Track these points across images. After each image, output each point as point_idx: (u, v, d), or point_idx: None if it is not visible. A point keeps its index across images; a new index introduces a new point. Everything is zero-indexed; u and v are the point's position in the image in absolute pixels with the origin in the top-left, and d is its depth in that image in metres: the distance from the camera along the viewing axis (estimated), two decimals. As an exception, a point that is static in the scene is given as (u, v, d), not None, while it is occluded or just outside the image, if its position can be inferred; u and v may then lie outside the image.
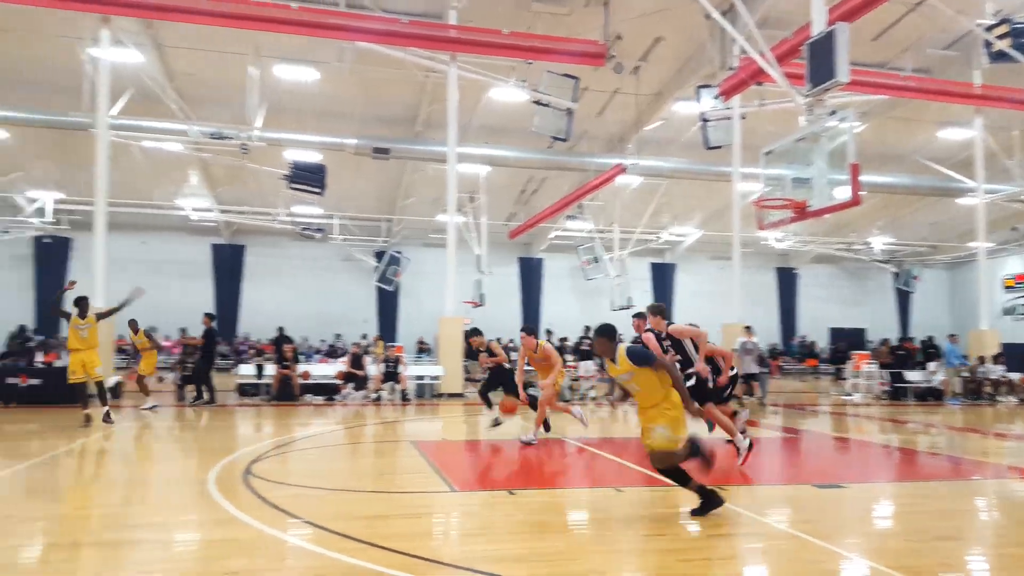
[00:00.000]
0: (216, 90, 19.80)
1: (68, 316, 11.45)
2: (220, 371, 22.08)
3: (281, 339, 17.49)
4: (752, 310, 21.27)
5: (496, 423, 10.34)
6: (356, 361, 17.15)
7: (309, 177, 18.18)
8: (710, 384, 8.37)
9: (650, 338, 8.90)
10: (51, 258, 26.36)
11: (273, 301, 27.80)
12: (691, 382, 8.18)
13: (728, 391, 9.53)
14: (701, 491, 5.62)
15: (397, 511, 5.96)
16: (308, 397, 16.70)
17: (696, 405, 6.26)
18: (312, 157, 19.77)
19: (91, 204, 16.43)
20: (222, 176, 24.00)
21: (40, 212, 23.00)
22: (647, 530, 5.43)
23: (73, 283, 11.98)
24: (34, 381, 14.56)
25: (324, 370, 18.01)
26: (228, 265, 28.79)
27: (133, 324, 15.16)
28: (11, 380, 14.55)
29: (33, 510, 5.97)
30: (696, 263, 32.10)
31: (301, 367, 17.58)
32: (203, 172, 23.54)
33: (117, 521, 5.51)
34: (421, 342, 26.50)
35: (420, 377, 18.10)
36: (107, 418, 11.26)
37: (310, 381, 17.14)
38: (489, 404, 10.71)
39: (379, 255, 27.81)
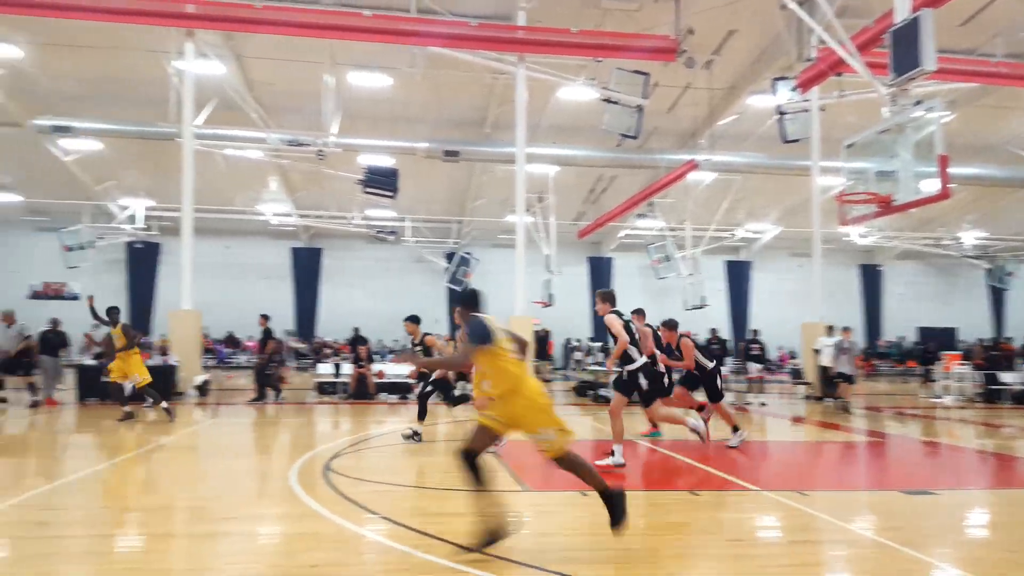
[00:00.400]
0: (293, 98, 20.47)
1: (107, 324, 12.03)
2: (300, 370, 22.86)
3: (357, 339, 17.93)
4: (834, 309, 20.53)
5: (414, 436, 9.49)
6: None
7: (382, 181, 18.57)
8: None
9: (688, 344, 9.03)
10: (142, 262, 27.85)
11: (349, 302, 28.54)
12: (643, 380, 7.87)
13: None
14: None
15: (471, 509, 6.00)
16: (383, 396, 17.07)
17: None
18: (385, 161, 20.19)
19: (179, 210, 17.23)
20: (300, 181, 24.80)
21: (132, 219, 24.27)
22: (725, 534, 5.31)
23: (92, 297, 12.45)
24: (129, 379, 15.34)
25: (398, 369, 18.35)
26: (307, 267, 29.75)
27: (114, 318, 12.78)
28: (108, 378, 15.38)
29: (129, 502, 6.30)
30: (774, 260, 31.23)
31: (376, 366, 17.98)
32: (282, 178, 24.36)
33: (206, 514, 5.75)
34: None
35: (491, 377, 18.20)
36: (125, 417, 11.47)
37: (384, 380, 17.51)
38: (423, 415, 9.74)
39: (449, 256, 28.16)
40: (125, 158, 22.54)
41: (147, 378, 11.85)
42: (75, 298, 24.49)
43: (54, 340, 14.67)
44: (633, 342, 7.73)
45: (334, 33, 16.43)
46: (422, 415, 9.69)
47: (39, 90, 19.56)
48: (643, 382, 7.77)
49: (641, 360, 7.79)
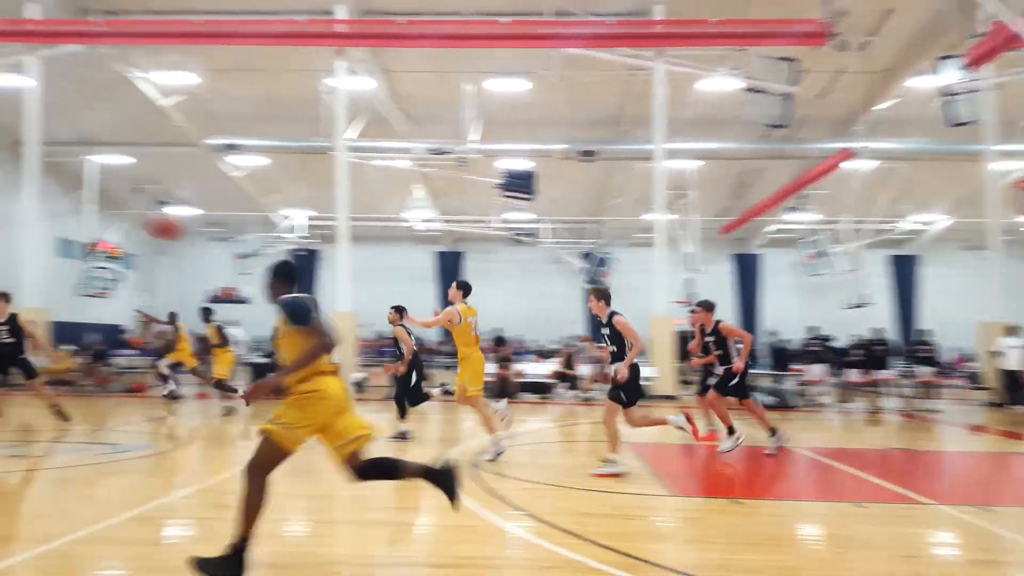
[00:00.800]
0: (435, 107, 21.23)
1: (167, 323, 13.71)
2: (448, 368, 23.66)
3: (499, 340, 18.34)
4: (1017, 307, 18.47)
5: (402, 436, 9.50)
6: (568, 361, 17.49)
7: (520, 184, 18.88)
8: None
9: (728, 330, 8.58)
10: (303, 268, 30.03)
11: (491, 303, 29.16)
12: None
13: (733, 382, 8.64)
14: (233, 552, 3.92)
15: (615, 511, 5.95)
16: (523, 395, 17.31)
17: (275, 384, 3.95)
18: (524, 164, 20.49)
19: (335, 219, 18.38)
20: (443, 188, 25.67)
21: (295, 228, 26.18)
22: (894, 551, 4.91)
23: (175, 314, 14.03)
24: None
25: (537, 369, 18.55)
26: (450, 270, 30.80)
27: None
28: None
29: (298, 489, 6.78)
30: (944, 254, 28.58)
31: (516, 366, 18.28)
32: (427, 185, 25.35)
33: (364, 503, 6.09)
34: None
35: (632, 378, 17.97)
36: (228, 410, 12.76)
37: (525, 380, 17.76)
38: (403, 413, 9.76)
39: (587, 256, 28.12)
40: (288, 172, 24.34)
41: (189, 362, 13.66)
42: (243, 302, 26.74)
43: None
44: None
45: (474, 42, 16.89)
46: (402, 414, 9.78)
47: (212, 112, 21.56)
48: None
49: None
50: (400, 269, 30.17)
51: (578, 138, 21.11)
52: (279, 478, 7.26)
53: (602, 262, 26.10)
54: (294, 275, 4.29)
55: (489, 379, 17.46)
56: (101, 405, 14.59)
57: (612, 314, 7.39)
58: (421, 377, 10.06)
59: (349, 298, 17.70)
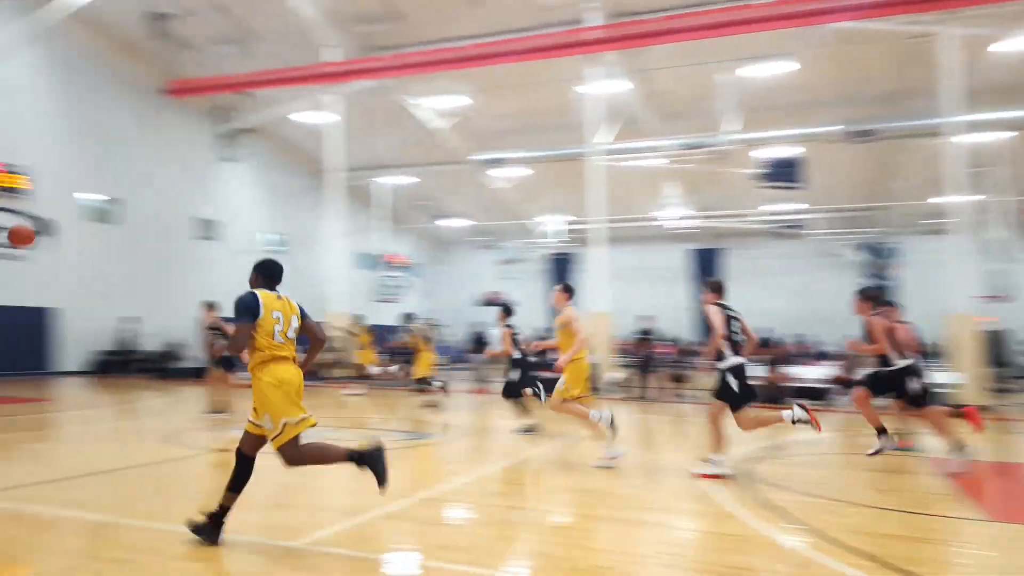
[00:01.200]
0: (689, 102, 20.73)
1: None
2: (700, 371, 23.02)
3: (764, 342, 17.34)
4: None
5: (528, 430, 9.82)
6: (851, 365, 15.96)
7: (784, 173, 17.73)
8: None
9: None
10: (562, 270, 31.15)
11: (754, 302, 27.76)
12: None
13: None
14: (215, 515, 4.49)
15: (915, 533, 5.28)
16: (790, 400, 16.13)
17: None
18: (789, 152, 19.19)
19: (589, 223, 18.77)
20: (699, 183, 25.00)
21: (553, 233, 27.28)
22: None
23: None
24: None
25: (812, 373, 17.17)
26: (706, 268, 29.92)
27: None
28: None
29: (567, 483, 7.00)
30: None
31: (788, 369, 17.10)
32: (681, 181, 24.87)
33: (631, 502, 6.11)
34: (921, 344, 23.38)
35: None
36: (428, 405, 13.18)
37: (795, 384, 16.52)
38: (520, 406, 10.16)
39: (867, 248, 25.50)
40: (548, 180, 25.44)
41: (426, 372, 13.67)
42: (492, 303, 28.54)
43: (480, 340, 17.48)
44: (731, 339, 6.83)
45: (733, 29, 16.14)
46: (520, 409, 10.23)
47: (477, 130, 23.26)
48: (732, 382, 6.79)
49: (733, 359, 6.78)
50: (651, 268, 29.97)
51: (850, 118, 19.24)
52: (544, 471, 7.57)
53: (884, 253, 23.53)
54: (273, 272, 4.74)
55: (759, 383, 16.70)
56: (393, 397, 16.41)
57: (712, 305, 7.03)
58: (528, 377, 10.43)
59: (607, 299, 17.92)
